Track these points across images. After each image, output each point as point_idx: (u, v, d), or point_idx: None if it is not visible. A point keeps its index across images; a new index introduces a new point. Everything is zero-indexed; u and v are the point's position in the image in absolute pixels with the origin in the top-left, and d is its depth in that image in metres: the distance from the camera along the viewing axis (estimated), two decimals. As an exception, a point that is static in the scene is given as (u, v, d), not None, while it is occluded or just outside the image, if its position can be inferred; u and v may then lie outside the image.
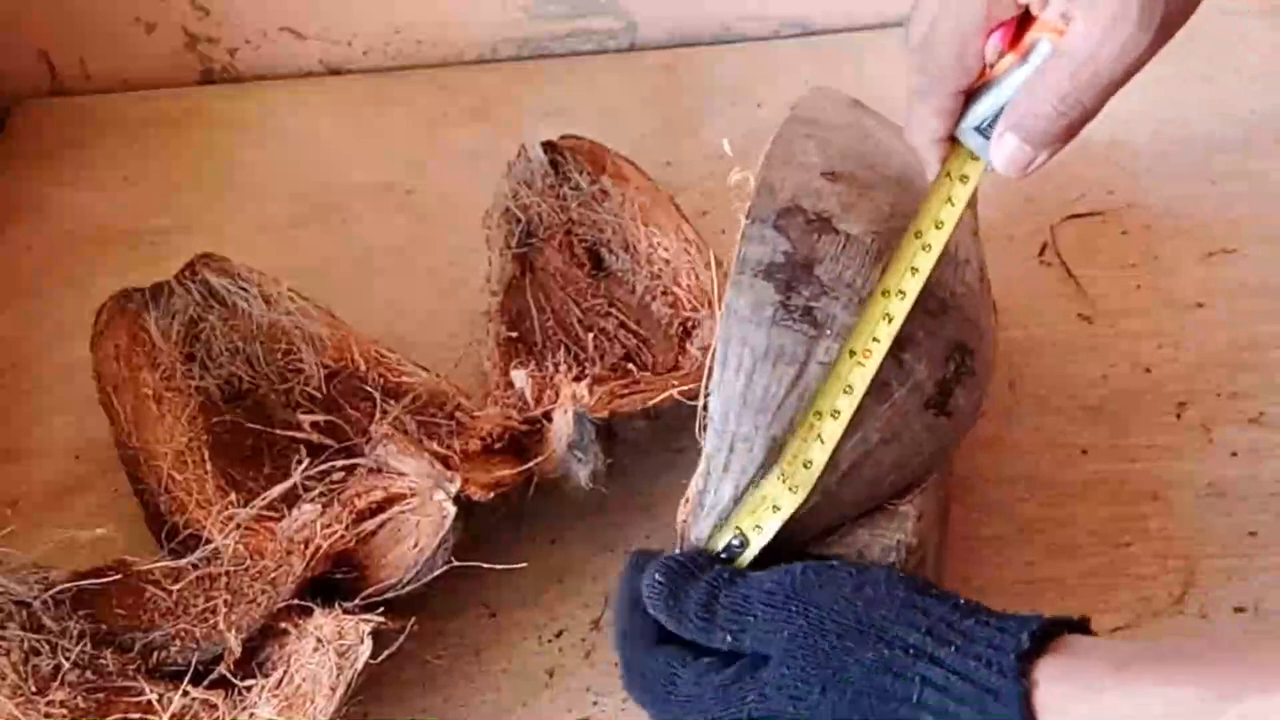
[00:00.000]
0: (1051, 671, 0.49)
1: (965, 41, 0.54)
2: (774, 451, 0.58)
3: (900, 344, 0.60)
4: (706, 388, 0.60)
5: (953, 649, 0.50)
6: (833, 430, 0.59)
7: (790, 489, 0.58)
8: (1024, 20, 0.54)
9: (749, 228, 0.61)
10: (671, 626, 0.57)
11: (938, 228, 0.59)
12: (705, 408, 0.60)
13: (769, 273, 0.60)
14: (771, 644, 0.54)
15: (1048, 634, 0.50)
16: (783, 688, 0.52)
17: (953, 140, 0.58)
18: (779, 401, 0.59)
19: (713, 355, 0.60)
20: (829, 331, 0.59)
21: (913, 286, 0.59)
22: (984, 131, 0.57)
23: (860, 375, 0.59)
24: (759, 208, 0.62)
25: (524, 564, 0.70)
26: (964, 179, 0.58)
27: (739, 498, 0.59)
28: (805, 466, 0.58)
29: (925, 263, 0.60)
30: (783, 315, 0.59)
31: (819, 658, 0.52)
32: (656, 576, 0.58)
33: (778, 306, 0.59)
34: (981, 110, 0.57)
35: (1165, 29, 0.51)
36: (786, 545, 0.59)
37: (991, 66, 0.55)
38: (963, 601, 0.53)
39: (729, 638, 0.56)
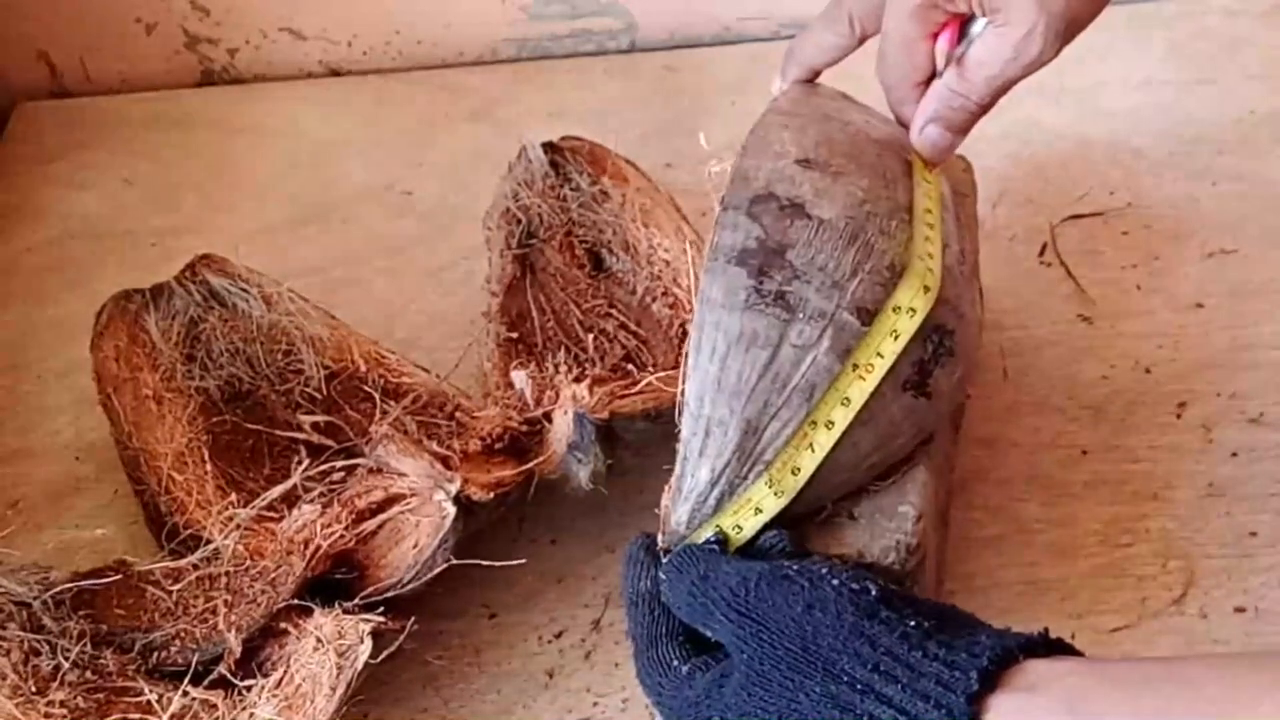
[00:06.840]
0: (1005, 707, 0.48)
1: (911, 51, 0.64)
2: (749, 435, 0.59)
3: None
4: (684, 374, 0.60)
5: (900, 686, 0.49)
6: (825, 440, 0.59)
7: (776, 494, 0.59)
8: (966, 22, 0.62)
9: (722, 215, 0.62)
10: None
11: (929, 216, 0.63)
12: (684, 394, 0.60)
13: (741, 258, 0.60)
14: (735, 656, 0.54)
15: (1004, 663, 0.49)
16: (743, 715, 0.53)
17: None
18: (751, 385, 0.59)
19: (689, 342, 0.60)
20: (801, 315, 0.59)
21: (921, 304, 0.60)
22: None
23: (859, 389, 0.59)
24: (732, 195, 0.62)
25: (524, 563, 0.70)
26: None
27: (715, 481, 0.59)
28: (794, 473, 0.59)
29: (933, 280, 0.61)
30: (755, 300, 0.59)
31: (773, 688, 0.52)
32: (666, 568, 0.58)
33: (750, 291, 0.60)
34: None
35: (1066, 43, 0.60)
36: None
37: (948, 60, 0.63)
38: (912, 626, 0.51)
39: (709, 633, 0.56)
